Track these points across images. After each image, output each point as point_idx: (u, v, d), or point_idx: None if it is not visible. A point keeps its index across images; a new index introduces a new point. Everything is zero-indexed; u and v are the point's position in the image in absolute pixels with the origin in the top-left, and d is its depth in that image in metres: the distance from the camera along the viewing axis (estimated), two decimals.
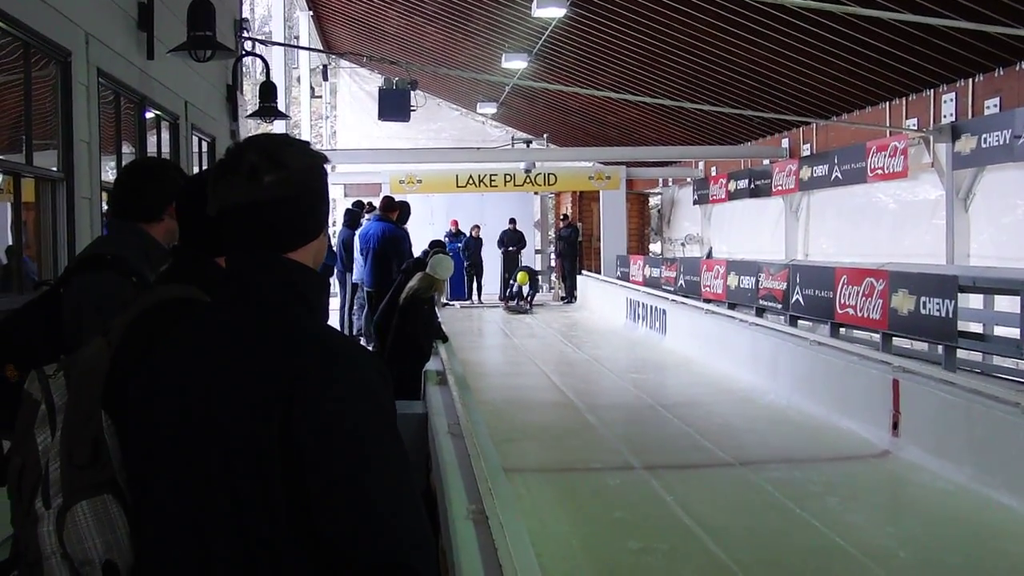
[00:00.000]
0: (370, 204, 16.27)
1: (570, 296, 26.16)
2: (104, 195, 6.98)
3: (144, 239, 3.26)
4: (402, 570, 1.73)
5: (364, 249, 13.26)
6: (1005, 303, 11.12)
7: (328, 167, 1.98)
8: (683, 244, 26.43)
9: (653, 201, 30.07)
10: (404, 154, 24.25)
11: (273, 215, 1.85)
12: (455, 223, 26.47)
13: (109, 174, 7.27)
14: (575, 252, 26.43)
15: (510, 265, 26.64)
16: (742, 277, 16.45)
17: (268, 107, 11.81)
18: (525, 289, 24.37)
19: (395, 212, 13.19)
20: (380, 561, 1.71)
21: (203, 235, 2.36)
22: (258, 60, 13.54)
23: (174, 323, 1.90)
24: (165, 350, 1.86)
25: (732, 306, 16.29)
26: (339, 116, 32.18)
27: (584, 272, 26.41)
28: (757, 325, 13.65)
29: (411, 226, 13.89)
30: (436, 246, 10.83)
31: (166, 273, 2.52)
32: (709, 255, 22.68)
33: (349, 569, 1.72)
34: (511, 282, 24.92)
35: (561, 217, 28.19)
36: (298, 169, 1.87)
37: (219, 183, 1.88)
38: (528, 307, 24.38)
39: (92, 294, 3.05)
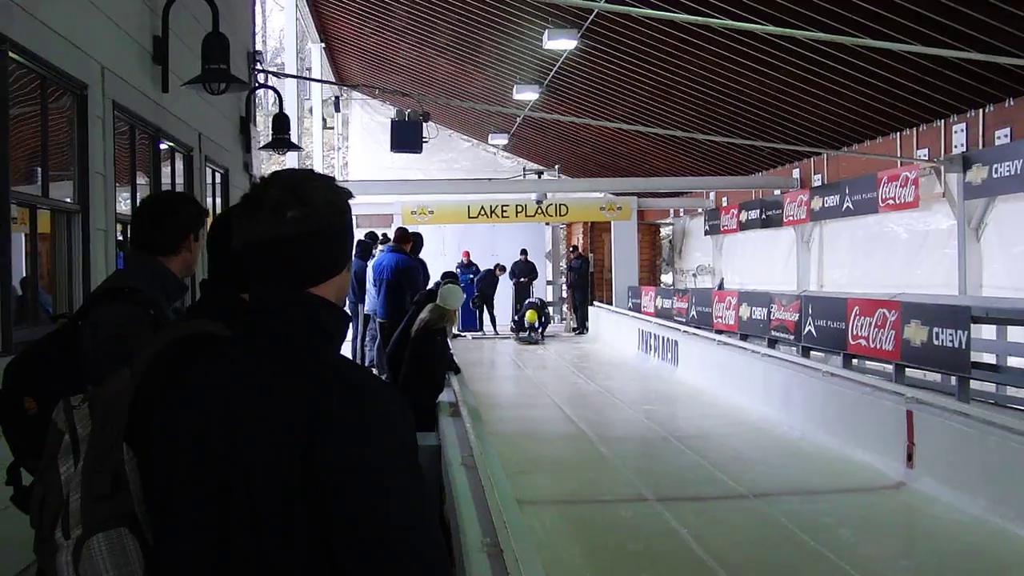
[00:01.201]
0: (384, 235, 16.31)
1: (581, 327, 26.16)
2: (119, 227, 7.03)
3: (161, 272, 3.29)
4: None
5: (377, 280, 13.28)
6: (1018, 333, 11.09)
7: (351, 201, 1.99)
8: (695, 275, 26.41)
9: (664, 232, 30.09)
10: (416, 185, 24.34)
11: (296, 251, 1.86)
12: (467, 254, 26.54)
13: (124, 206, 7.32)
14: (586, 283, 26.47)
15: (522, 295, 26.68)
16: (754, 308, 16.41)
17: (281, 139, 11.89)
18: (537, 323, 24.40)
19: (409, 243, 13.23)
20: None
21: (231, 270, 2.37)
22: (271, 92, 13.63)
23: (197, 358, 1.91)
24: (187, 384, 1.87)
25: (744, 337, 16.24)
26: (351, 147, 32.32)
27: (596, 303, 26.41)
28: (769, 356, 13.61)
29: (424, 257, 13.92)
30: (448, 277, 10.84)
31: (193, 307, 2.53)
32: (721, 286, 22.65)
33: None
34: (518, 317, 24.97)
35: (571, 248, 28.21)
36: (322, 205, 1.88)
37: (243, 218, 1.89)
38: (540, 338, 24.21)
39: (109, 326, 3.07)
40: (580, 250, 27.68)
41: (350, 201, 1.96)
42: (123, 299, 3.12)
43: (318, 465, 1.71)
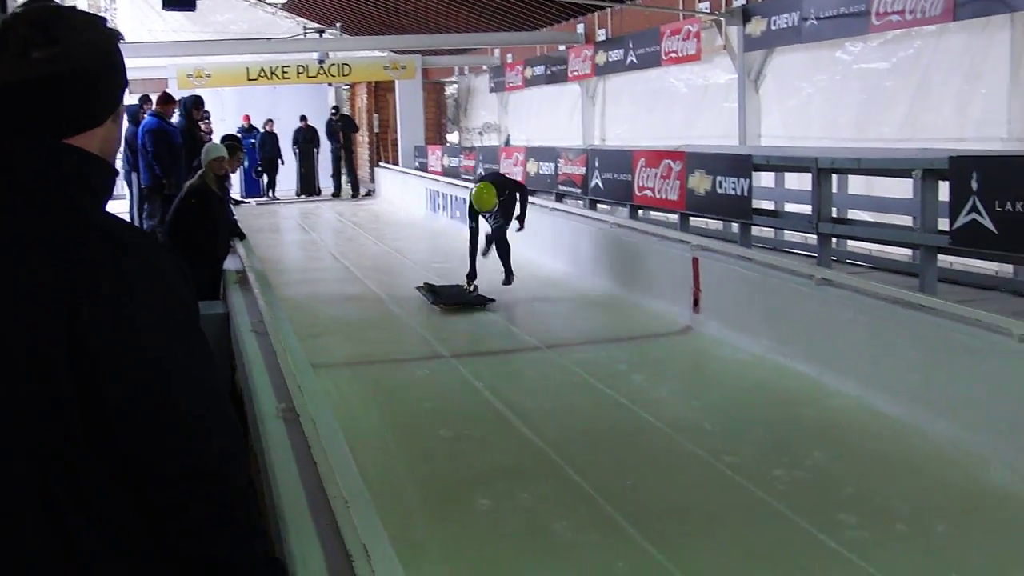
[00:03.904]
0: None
1: (355, 192, 25.74)
2: None
3: None
4: (211, 477, 1.59)
5: None
6: (795, 180, 11.48)
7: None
8: (481, 133, 26.30)
9: (449, 90, 29.78)
10: (191, 47, 23.15)
11: (45, 96, 1.62)
12: (247, 118, 25.71)
13: None
14: (350, 143, 26.11)
15: (306, 161, 26.07)
16: (541, 163, 16.49)
17: None
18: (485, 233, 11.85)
19: (171, 106, 12.58)
20: (186, 469, 1.57)
21: None
22: None
23: None
24: None
25: (532, 192, 16.32)
26: (119, 8, 30.47)
27: (381, 164, 26.10)
28: (558, 210, 13.73)
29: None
30: (229, 140, 10.40)
31: None
32: (507, 143, 22.66)
33: (153, 479, 1.56)
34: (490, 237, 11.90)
35: (332, 109, 27.37)
36: (77, 45, 1.63)
37: None
38: (474, 290, 11.33)
39: None
40: (341, 111, 27.20)
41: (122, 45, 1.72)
42: None
43: (85, 333, 1.51)
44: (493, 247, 11.74)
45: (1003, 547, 4.85)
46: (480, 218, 11.55)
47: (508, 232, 11.63)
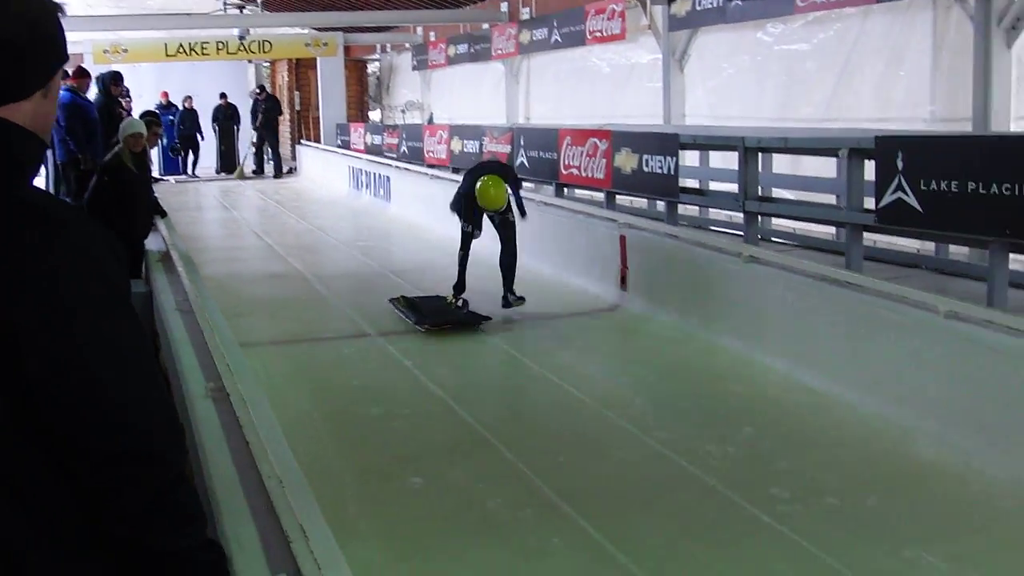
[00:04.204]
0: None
1: (278, 171, 25.23)
2: None
3: None
4: (145, 459, 1.53)
5: None
6: (719, 159, 11.54)
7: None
8: (403, 111, 26.13)
9: (371, 68, 29.53)
10: (108, 21, 22.60)
11: None
12: (165, 95, 25.22)
13: None
14: (276, 125, 25.61)
15: (226, 139, 25.61)
16: (465, 141, 16.38)
17: None
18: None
19: (84, 80, 12.25)
20: (120, 450, 1.50)
21: None
22: None
23: None
24: None
25: (456, 171, 16.18)
26: None
27: (303, 142, 25.75)
28: None
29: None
30: (148, 116, 10.18)
31: None
32: (430, 121, 22.51)
33: (87, 462, 1.50)
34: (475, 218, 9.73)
35: (256, 89, 26.80)
36: (3, 15, 1.55)
37: None
38: (463, 305, 9.41)
39: None
40: (268, 90, 26.67)
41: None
42: None
43: (10, 312, 1.45)
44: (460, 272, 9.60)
45: (931, 518, 4.91)
46: (473, 221, 9.63)
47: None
